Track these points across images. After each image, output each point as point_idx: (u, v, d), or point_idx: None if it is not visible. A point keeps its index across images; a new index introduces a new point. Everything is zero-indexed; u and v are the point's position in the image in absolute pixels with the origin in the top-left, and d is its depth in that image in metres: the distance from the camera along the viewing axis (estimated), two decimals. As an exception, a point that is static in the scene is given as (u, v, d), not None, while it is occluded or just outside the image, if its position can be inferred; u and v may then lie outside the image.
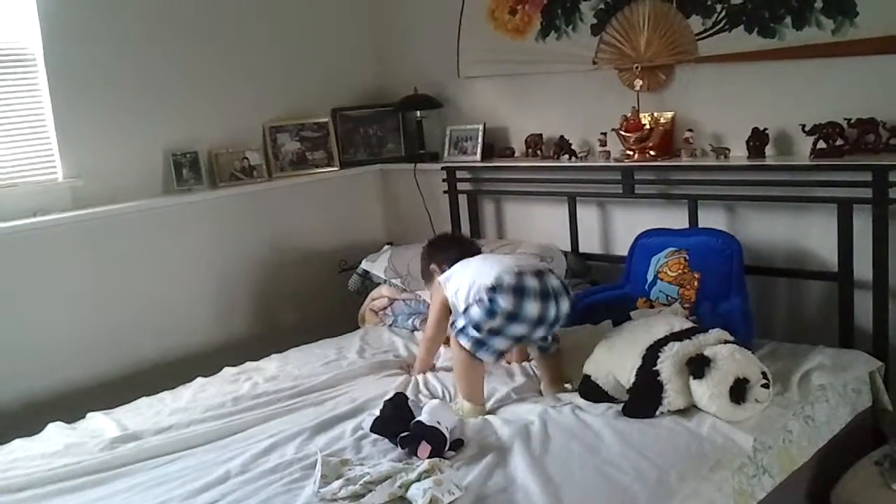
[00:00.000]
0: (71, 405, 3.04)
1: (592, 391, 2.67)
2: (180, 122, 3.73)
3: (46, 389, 3.27)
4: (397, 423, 2.47)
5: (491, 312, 2.66)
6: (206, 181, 3.79)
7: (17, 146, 3.31)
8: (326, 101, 4.25)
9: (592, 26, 3.62)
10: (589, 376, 2.70)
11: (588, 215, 3.74)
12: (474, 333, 2.68)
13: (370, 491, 2.15)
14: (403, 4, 4.30)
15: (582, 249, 3.72)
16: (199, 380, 3.15)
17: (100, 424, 2.79)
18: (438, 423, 2.42)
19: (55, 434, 2.75)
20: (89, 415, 2.87)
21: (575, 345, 2.95)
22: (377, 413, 2.59)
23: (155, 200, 3.59)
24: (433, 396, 2.85)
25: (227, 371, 3.23)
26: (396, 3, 4.32)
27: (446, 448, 2.37)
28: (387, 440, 2.46)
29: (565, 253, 3.63)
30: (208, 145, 3.83)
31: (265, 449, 2.49)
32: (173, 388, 3.07)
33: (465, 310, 2.75)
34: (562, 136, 3.71)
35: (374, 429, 2.50)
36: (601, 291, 3.33)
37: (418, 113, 4.19)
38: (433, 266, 3.13)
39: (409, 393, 2.82)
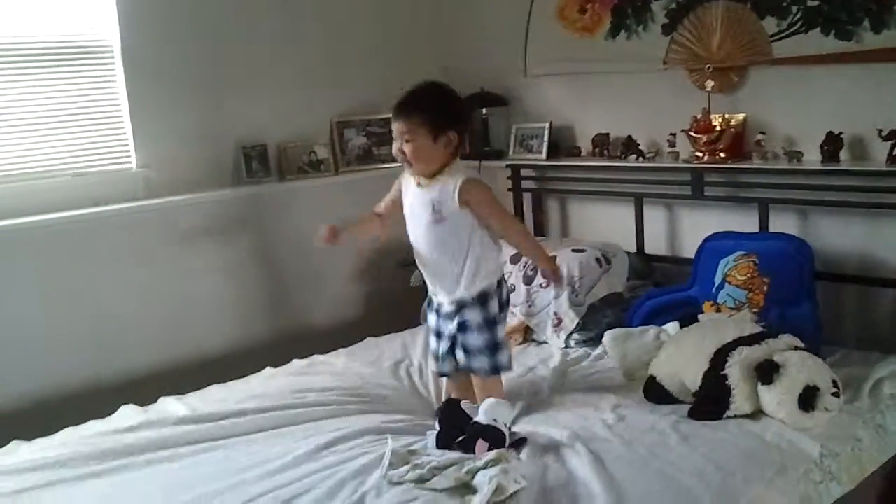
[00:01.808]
0: (139, 392, 3.10)
1: (657, 392, 2.66)
2: (251, 115, 3.78)
3: (116, 375, 3.34)
4: (457, 430, 2.47)
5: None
6: (275, 174, 3.84)
7: (93, 135, 3.38)
8: (393, 97, 4.24)
9: (663, 26, 3.58)
10: (654, 377, 2.69)
11: (654, 216, 3.70)
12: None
13: (436, 475, 2.18)
14: (471, 1, 4.30)
15: (647, 251, 3.69)
16: (268, 370, 3.19)
17: (172, 408, 2.85)
18: (495, 420, 2.43)
19: (128, 415, 2.81)
20: (161, 399, 2.93)
21: (639, 345, 2.94)
22: (437, 427, 2.57)
23: (224, 192, 3.65)
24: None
25: (296, 363, 3.28)
26: (464, 1, 4.33)
27: (506, 445, 2.36)
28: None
29: (628, 253, 3.60)
30: (277, 139, 3.87)
31: (334, 440, 2.51)
32: (242, 376, 3.13)
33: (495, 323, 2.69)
34: (629, 136, 3.68)
35: (438, 445, 2.47)
36: (667, 293, 3.30)
37: (484, 110, 4.19)
38: (454, 134, 2.62)
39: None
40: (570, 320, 3.30)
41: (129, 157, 3.47)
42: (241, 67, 3.75)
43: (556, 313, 3.34)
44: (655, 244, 3.71)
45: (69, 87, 3.31)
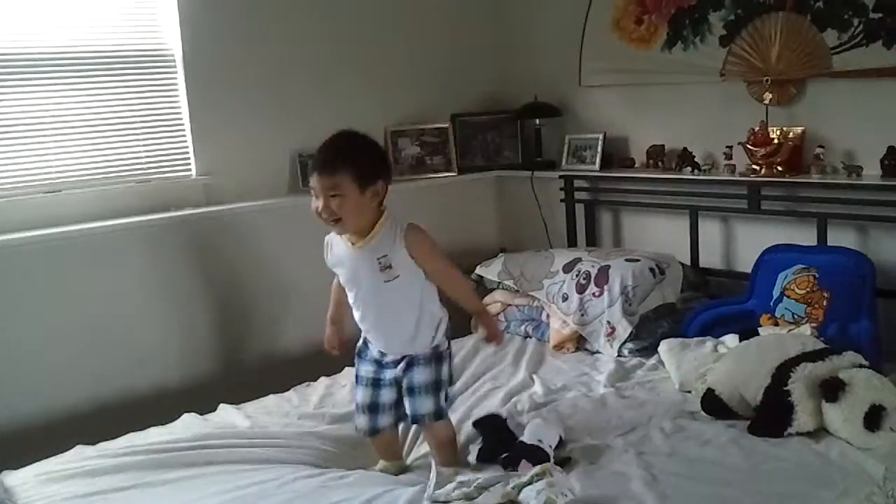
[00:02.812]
0: (201, 398, 3.15)
1: (716, 405, 2.64)
2: (307, 123, 3.82)
3: (179, 381, 3.40)
4: (501, 445, 2.46)
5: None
6: (331, 183, 3.87)
7: (155, 143, 3.45)
8: (446, 107, 4.30)
9: (721, 37, 3.57)
10: (713, 390, 2.67)
11: (709, 229, 3.68)
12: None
13: (482, 493, 2.17)
14: (526, 12, 4.31)
15: (701, 263, 3.67)
16: (323, 380, 3.21)
17: (231, 418, 2.88)
18: (540, 441, 2.41)
19: (189, 423, 2.84)
20: (221, 406, 2.97)
21: (695, 356, 2.93)
22: (480, 440, 2.58)
23: (281, 200, 3.69)
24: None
25: (350, 371, 3.29)
26: (519, 11, 4.34)
27: (550, 461, 2.34)
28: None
29: (682, 265, 3.59)
30: (332, 147, 3.91)
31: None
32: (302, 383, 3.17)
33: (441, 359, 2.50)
34: (685, 149, 3.67)
35: (480, 458, 2.48)
36: (723, 305, 3.28)
37: (537, 121, 4.20)
38: (381, 184, 2.39)
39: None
40: (624, 329, 3.29)
41: (189, 165, 3.53)
42: (299, 77, 3.80)
43: (608, 322, 3.33)
44: (710, 257, 3.69)
45: (133, 95, 3.38)
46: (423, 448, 2.67)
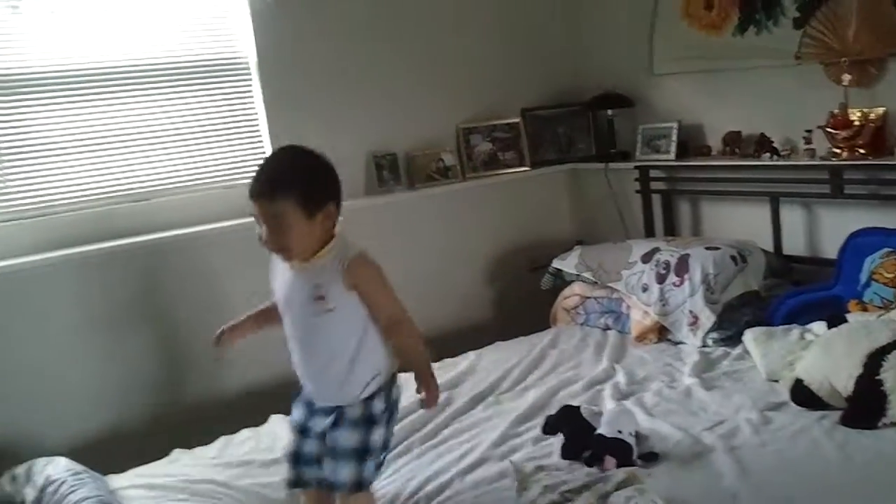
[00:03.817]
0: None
1: (805, 395, 2.60)
2: (380, 124, 3.87)
3: (269, 380, 3.47)
4: (582, 440, 2.45)
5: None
6: (405, 182, 3.92)
7: (233, 149, 3.54)
8: (517, 102, 4.30)
9: (795, 19, 3.50)
10: (801, 381, 2.63)
11: (791, 215, 3.62)
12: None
13: (569, 501, 2.16)
14: (594, 3, 4.29)
15: (784, 250, 3.61)
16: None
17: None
18: (619, 432, 2.39)
19: (277, 426, 2.88)
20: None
21: (782, 345, 2.89)
22: (560, 436, 2.56)
23: (358, 201, 3.73)
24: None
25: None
26: (587, 2, 4.32)
27: (634, 457, 2.34)
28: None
29: (765, 252, 3.53)
30: (406, 147, 3.96)
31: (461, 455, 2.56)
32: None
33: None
34: (762, 134, 3.60)
35: (564, 455, 2.46)
36: (808, 292, 3.23)
37: (609, 111, 4.18)
38: (332, 206, 2.11)
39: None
40: (707, 318, 3.26)
41: (268, 169, 3.60)
42: (370, 78, 3.84)
43: (691, 311, 3.30)
44: (792, 243, 3.63)
45: (211, 103, 3.48)
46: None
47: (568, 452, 2.45)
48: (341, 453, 2.12)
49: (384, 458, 2.25)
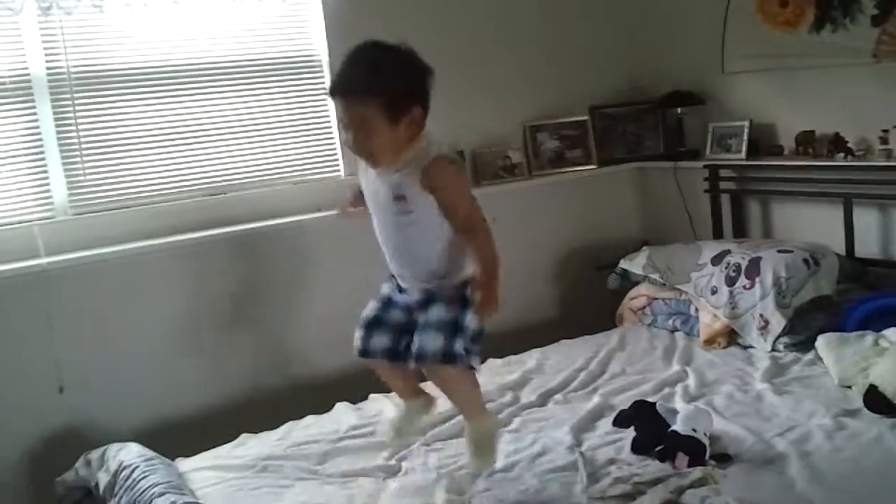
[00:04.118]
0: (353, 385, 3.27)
1: (880, 403, 2.55)
2: (448, 122, 3.79)
3: (336, 370, 3.52)
4: (655, 436, 2.44)
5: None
6: (471, 179, 3.92)
7: (306, 146, 3.59)
8: (585, 100, 4.28)
9: (873, 17, 3.41)
10: (876, 387, 2.58)
11: (866, 217, 3.54)
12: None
13: (641, 492, 2.16)
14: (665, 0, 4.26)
15: (858, 253, 3.53)
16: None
17: (380, 407, 2.96)
18: (694, 430, 2.37)
19: (341, 413, 2.95)
20: (371, 396, 3.06)
21: (856, 351, 2.83)
22: (631, 430, 2.56)
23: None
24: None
25: (492, 362, 3.34)
26: (657, -1, 4.30)
27: (706, 457, 2.32)
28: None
29: (838, 255, 3.46)
30: (472, 144, 3.96)
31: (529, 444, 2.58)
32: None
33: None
34: (837, 134, 3.53)
35: (634, 450, 2.45)
36: (883, 297, 3.15)
37: (679, 110, 4.13)
38: (418, 110, 2.10)
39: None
40: (777, 322, 3.20)
41: (337, 165, 3.65)
42: (438, 76, 3.81)
43: (761, 315, 3.25)
44: (867, 247, 3.54)
45: (284, 99, 3.53)
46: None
47: (639, 447, 2.44)
48: (432, 325, 2.13)
49: (480, 349, 2.21)
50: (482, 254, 2.10)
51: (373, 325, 2.27)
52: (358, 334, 2.29)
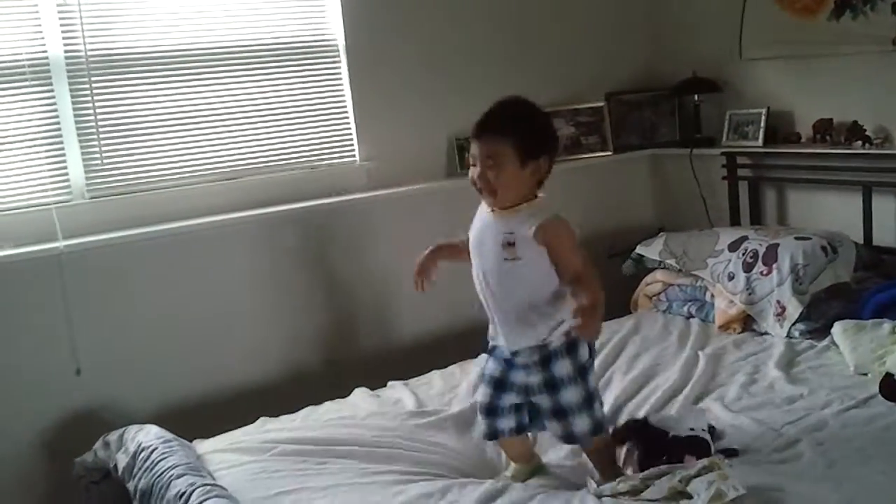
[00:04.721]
0: (371, 372, 3.29)
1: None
2: (463, 108, 3.77)
3: (351, 355, 3.55)
4: (658, 450, 2.37)
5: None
6: (487, 166, 3.92)
7: (322, 130, 3.59)
8: (601, 86, 4.26)
9: (893, 4, 3.39)
10: (892, 375, 2.57)
11: (884, 206, 3.52)
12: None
13: (648, 486, 2.15)
14: (682, -14, 4.24)
15: (876, 242, 3.52)
16: (483, 356, 3.26)
17: (399, 395, 2.97)
18: (692, 429, 2.35)
19: (360, 399, 2.96)
20: (390, 383, 3.08)
21: (871, 338, 2.83)
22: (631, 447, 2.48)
23: (440, 183, 3.76)
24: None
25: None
26: (675, -15, 4.27)
27: (712, 451, 2.30)
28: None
29: (855, 243, 3.45)
30: (489, 130, 3.95)
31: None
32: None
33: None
34: (855, 122, 3.51)
35: (642, 467, 2.36)
36: (901, 285, 3.15)
37: (696, 97, 4.12)
38: (544, 161, 2.24)
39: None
40: (794, 309, 3.19)
41: (353, 150, 3.65)
42: (455, 60, 3.85)
43: (778, 301, 3.23)
44: (884, 235, 3.53)
45: (300, 84, 3.52)
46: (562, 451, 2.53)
47: (644, 463, 2.34)
48: (573, 409, 2.26)
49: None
50: (590, 288, 2.18)
51: (493, 411, 2.38)
52: (481, 422, 2.41)
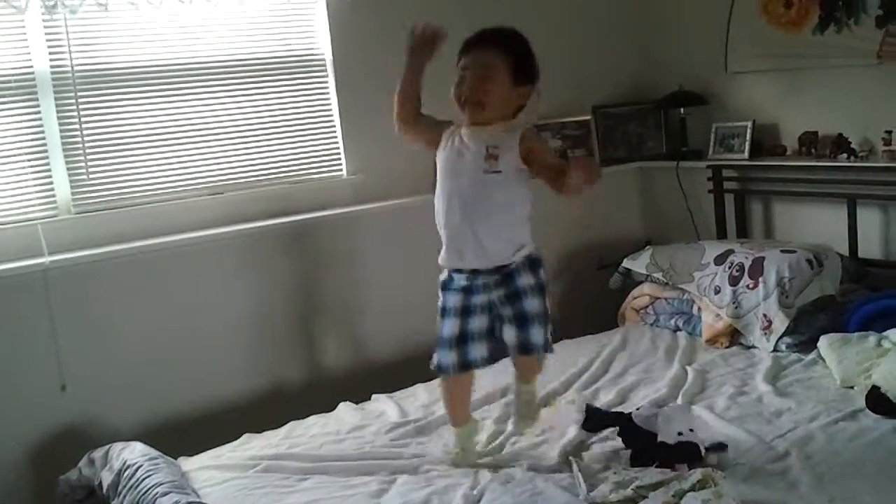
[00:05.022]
0: (355, 386, 3.28)
1: (883, 404, 2.55)
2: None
3: (335, 369, 3.53)
4: (648, 450, 2.39)
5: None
6: (474, 178, 3.92)
7: (308, 145, 3.58)
8: (588, 99, 4.27)
9: (878, 18, 3.42)
10: (878, 388, 2.58)
11: (868, 218, 3.54)
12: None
13: (642, 497, 2.15)
14: (668, 0, 4.25)
15: (861, 254, 3.53)
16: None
17: (384, 407, 2.97)
18: (680, 433, 2.35)
19: (345, 413, 2.96)
20: (374, 397, 3.07)
21: (858, 351, 2.83)
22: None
23: (427, 197, 3.71)
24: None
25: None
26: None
27: (703, 453, 2.30)
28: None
29: (841, 256, 3.46)
30: (476, 143, 3.95)
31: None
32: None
33: None
34: (840, 135, 3.53)
35: (634, 464, 2.41)
36: (886, 297, 3.15)
37: (682, 110, 4.13)
38: (529, 90, 2.38)
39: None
40: (781, 322, 3.20)
41: (340, 165, 3.65)
42: (443, 76, 3.81)
43: (765, 315, 3.24)
44: (869, 247, 3.55)
45: (288, 98, 3.52)
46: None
47: (637, 462, 2.39)
48: (533, 317, 2.37)
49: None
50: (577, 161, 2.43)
51: (464, 338, 2.40)
52: (450, 355, 2.42)
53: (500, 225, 2.35)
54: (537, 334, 2.38)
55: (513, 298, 2.36)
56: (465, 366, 2.44)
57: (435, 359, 2.46)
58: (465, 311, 2.40)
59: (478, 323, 2.41)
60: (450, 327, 2.42)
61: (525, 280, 2.37)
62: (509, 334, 2.40)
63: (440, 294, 2.47)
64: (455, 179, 2.38)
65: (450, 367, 2.44)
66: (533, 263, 2.40)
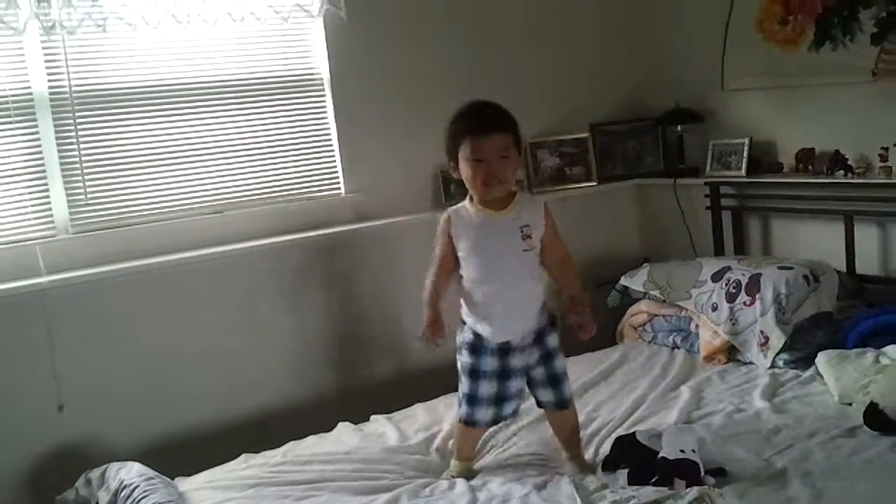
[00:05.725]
0: (353, 406, 3.27)
1: (881, 421, 2.54)
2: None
3: (332, 390, 3.53)
4: (648, 469, 2.39)
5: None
6: (472, 196, 3.93)
7: (307, 164, 3.60)
8: (585, 117, 4.29)
9: (873, 35, 3.43)
10: (876, 405, 2.57)
11: (865, 235, 3.55)
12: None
13: None
14: (664, 18, 4.27)
15: (858, 271, 3.53)
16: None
17: (383, 428, 2.97)
18: (682, 451, 2.35)
19: (343, 434, 2.95)
20: (373, 417, 3.07)
21: (855, 368, 2.83)
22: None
23: (425, 215, 3.75)
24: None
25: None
26: (657, 17, 4.30)
27: (702, 474, 2.30)
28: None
29: (838, 272, 3.46)
30: (473, 162, 3.96)
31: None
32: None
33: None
34: (836, 151, 3.54)
35: (631, 482, 2.40)
36: (883, 314, 3.15)
37: (679, 127, 4.15)
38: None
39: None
40: (778, 339, 3.20)
41: (338, 183, 3.66)
42: (439, 93, 3.84)
43: (762, 332, 3.25)
44: (866, 264, 3.55)
45: (286, 118, 3.54)
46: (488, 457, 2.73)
47: (635, 479, 2.39)
48: (562, 376, 2.56)
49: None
50: (576, 277, 2.59)
51: (500, 400, 2.54)
52: (487, 412, 2.54)
53: (534, 293, 2.52)
54: (567, 390, 2.59)
55: (546, 359, 2.53)
56: (498, 421, 2.62)
57: (464, 413, 2.56)
58: (504, 374, 2.51)
59: (516, 384, 2.54)
60: (487, 389, 2.52)
61: (553, 340, 2.55)
62: (545, 395, 2.58)
63: (466, 354, 2.54)
64: (487, 258, 2.48)
65: (484, 423, 2.59)
66: (554, 321, 2.57)
